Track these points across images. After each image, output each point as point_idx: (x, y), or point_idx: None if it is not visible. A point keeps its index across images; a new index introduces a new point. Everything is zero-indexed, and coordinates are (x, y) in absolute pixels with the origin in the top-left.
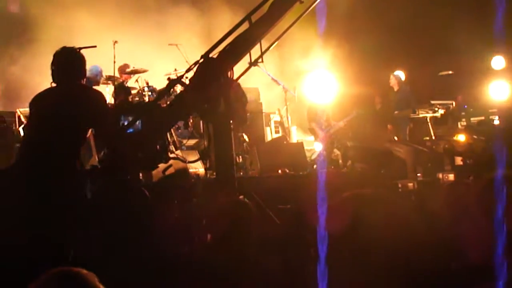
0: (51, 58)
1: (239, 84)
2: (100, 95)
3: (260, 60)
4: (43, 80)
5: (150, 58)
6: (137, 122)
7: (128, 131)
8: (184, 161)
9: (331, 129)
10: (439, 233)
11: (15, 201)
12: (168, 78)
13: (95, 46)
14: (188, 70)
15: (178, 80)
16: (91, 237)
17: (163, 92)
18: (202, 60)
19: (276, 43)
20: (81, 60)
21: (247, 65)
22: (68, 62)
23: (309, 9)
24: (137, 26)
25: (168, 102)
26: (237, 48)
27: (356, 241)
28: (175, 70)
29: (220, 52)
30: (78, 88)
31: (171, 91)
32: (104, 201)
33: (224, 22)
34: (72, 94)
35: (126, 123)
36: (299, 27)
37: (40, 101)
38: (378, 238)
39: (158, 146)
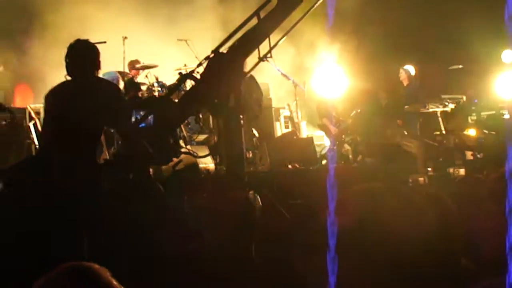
0: (61, 53)
1: (252, 78)
2: (117, 88)
3: (269, 55)
4: (54, 75)
5: (159, 53)
6: (149, 117)
7: (140, 125)
8: (195, 155)
9: (341, 125)
10: (452, 228)
11: (35, 197)
12: (180, 73)
13: (104, 42)
14: (199, 65)
15: (190, 74)
16: (104, 233)
17: (174, 87)
18: (212, 55)
19: (284, 38)
20: (96, 52)
21: (257, 60)
22: (83, 54)
23: (317, 4)
24: (147, 22)
25: (179, 97)
26: (246, 43)
27: (366, 235)
28: (185, 65)
29: (230, 48)
30: (94, 81)
31: (181, 86)
32: (119, 196)
33: (235, 16)
34: (89, 87)
35: (138, 118)
36: (308, 21)
37: (56, 96)
38: (389, 232)
39: (171, 140)
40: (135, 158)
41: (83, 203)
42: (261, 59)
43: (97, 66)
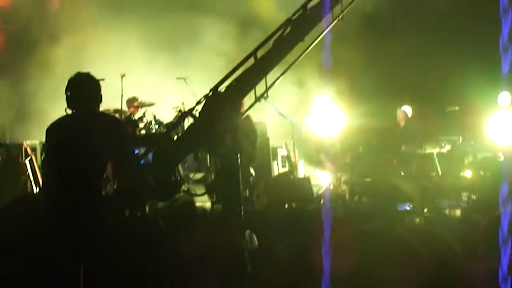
0: (58, 88)
1: (248, 118)
2: (121, 123)
3: (265, 95)
4: (51, 110)
5: (158, 91)
6: (148, 154)
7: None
8: (192, 194)
9: (339, 163)
10: (448, 268)
11: (40, 232)
12: (179, 111)
13: (103, 79)
14: (198, 103)
15: (189, 112)
16: (105, 269)
17: (174, 124)
18: (211, 93)
19: (280, 78)
20: (97, 85)
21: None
22: (84, 87)
23: (310, 48)
24: (145, 59)
25: (178, 135)
26: (243, 83)
27: (361, 280)
28: (183, 103)
29: (227, 87)
30: (98, 115)
31: (180, 124)
32: (121, 232)
33: (234, 55)
34: (93, 121)
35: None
36: (306, 61)
37: (59, 130)
38: (383, 277)
39: (173, 177)
40: (139, 194)
41: (89, 240)
42: (257, 99)
43: (99, 99)
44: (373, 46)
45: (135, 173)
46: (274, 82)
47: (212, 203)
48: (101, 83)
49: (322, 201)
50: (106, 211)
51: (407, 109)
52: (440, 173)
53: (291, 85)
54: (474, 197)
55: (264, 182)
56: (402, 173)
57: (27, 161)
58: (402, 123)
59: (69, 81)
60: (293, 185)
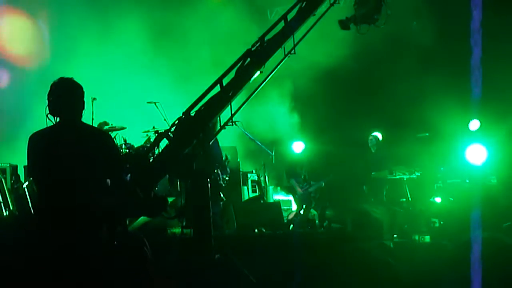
0: (27, 111)
1: (216, 141)
2: (110, 135)
3: (230, 122)
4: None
5: (128, 115)
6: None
7: None
8: (164, 216)
9: (309, 188)
10: None
11: (38, 251)
12: (156, 131)
13: (95, 99)
14: (173, 125)
15: (166, 133)
16: None
17: (151, 145)
18: (184, 117)
19: (245, 105)
20: (81, 91)
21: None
22: (69, 93)
23: (269, 77)
24: (116, 83)
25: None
26: (211, 108)
27: None
28: (154, 127)
29: (196, 112)
30: (85, 127)
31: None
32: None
33: (203, 79)
34: (82, 133)
35: None
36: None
37: (47, 142)
38: None
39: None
40: (130, 208)
41: (84, 259)
42: (223, 126)
43: (82, 106)
44: (345, 73)
45: (128, 185)
46: (238, 110)
47: (182, 227)
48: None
49: (291, 226)
50: (100, 229)
51: (378, 135)
52: (410, 198)
53: (261, 111)
54: (442, 222)
55: (234, 206)
56: (372, 199)
57: None
58: (373, 149)
59: (52, 86)
60: (263, 210)
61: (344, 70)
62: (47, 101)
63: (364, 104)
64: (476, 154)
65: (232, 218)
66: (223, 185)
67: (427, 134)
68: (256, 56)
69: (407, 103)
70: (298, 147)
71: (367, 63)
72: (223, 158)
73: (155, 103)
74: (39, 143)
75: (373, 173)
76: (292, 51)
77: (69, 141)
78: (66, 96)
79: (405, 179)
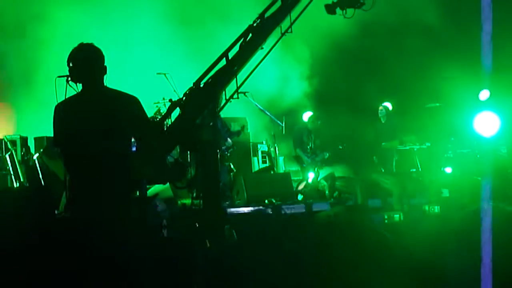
0: (32, 86)
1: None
2: (136, 98)
3: (236, 95)
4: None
5: (138, 87)
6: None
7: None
8: (175, 186)
9: (316, 157)
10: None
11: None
12: (170, 100)
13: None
14: (185, 94)
15: (179, 102)
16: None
17: (165, 114)
18: (194, 87)
19: (248, 78)
20: (102, 56)
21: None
22: (90, 57)
23: (268, 54)
24: (125, 55)
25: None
26: (217, 81)
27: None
28: (163, 99)
29: (205, 83)
30: (111, 91)
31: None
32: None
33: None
34: (109, 98)
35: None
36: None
37: (74, 112)
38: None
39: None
40: (159, 171)
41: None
42: (229, 99)
43: (105, 71)
44: (355, 44)
45: (157, 149)
46: (241, 85)
47: (192, 198)
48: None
49: (302, 196)
50: (140, 200)
51: (388, 106)
52: (420, 169)
53: (272, 81)
54: (453, 193)
55: (244, 177)
56: (382, 169)
57: (7, 156)
58: (383, 120)
59: (71, 52)
60: (273, 181)
61: (355, 41)
62: (67, 68)
63: (374, 75)
64: (485, 123)
65: (243, 189)
66: (228, 155)
67: (438, 104)
68: (257, 32)
69: (417, 73)
70: (314, 119)
71: (378, 34)
72: (238, 129)
73: (165, 74)
74: (64, 113)
75: (383, 143)
76: (289, 30)
77: (95, 108)
78: (87, 61)
79: (415, 149)
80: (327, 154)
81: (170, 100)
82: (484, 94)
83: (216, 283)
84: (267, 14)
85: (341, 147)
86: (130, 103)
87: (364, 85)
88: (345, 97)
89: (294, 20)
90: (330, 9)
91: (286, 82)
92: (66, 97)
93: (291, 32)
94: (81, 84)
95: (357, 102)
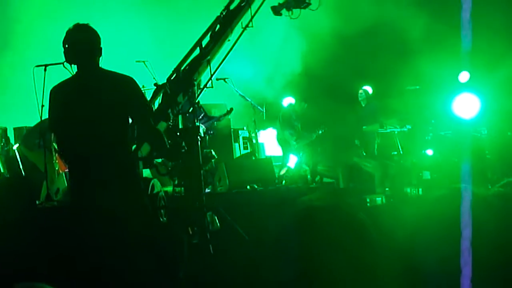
0: (14, 73)
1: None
2: (134, 81)
3: (209, 84)
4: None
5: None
6: None
7: None
8: (158, 172)
9: (302, 141)
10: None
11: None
12: (155, 84)
13: (61, 63)
14: (168, 80)
15: (163, 86)
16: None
17: (151, 97)
18: (175, 74)
19: (220, 67)
20: (98, 37)
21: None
22: (86, 38)
23: (234, 45)
24: (104, 43)
25: None
26: (193, 69)
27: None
28: (143, 86)
29: (182, 71)
30: (107, 73)
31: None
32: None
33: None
34: (105, 81)
35: None
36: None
37: (69, 95)
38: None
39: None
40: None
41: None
42: (203, 88)
43: (100, 52)
44: (333, 26)
45: (157, 131)
46: (215, 71)
47: (174, 185)
48: (61, 67)
49: (284, 181)
50: (137, 183)
51: (368, 89)
52: (401, 151)
53: (252, 67)
54: (435, 175)
55: (225, 164)
56: (364, 153)
57: None
58: (363, 103)
59: (67, 33)
60: (255, 167)
61: (334, 23)
62: (63, 49)
63: (353, 58)
64: (465, 105)
65: (224, 175)
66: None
67: (418, 87)
68: (223, 23)
69: (397, 56)
70: (288, 102)
71: (356, 16)
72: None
73: (144, 61)
74: (60, 95)
75: (364, 127)
76: (250, 24)
77: (91, 90)
78: (82, 43)
79: (396, 132)
80: (315, 136)
81: (156, 85)
82: (464, 76)
83: (199, 269)
84: (232, 6)
85: (321, 132)
86: (126, 84)
87: (344, 68)
88: (325, 80)
89: (254, 14)
90: (276, 10)
91: (266, 68)
92: (44, 86)
93: (252, 26)
94: (76, 66)
95: (337, 86)
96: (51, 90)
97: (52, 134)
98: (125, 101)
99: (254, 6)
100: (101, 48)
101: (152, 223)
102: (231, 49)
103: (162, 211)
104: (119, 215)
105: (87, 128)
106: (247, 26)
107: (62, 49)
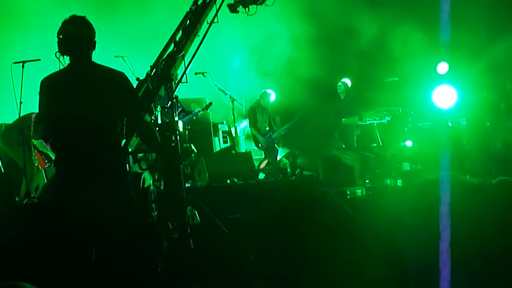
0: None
1: None
2: (125, 76)
3: (184, 79)
4: None
5: None
6: None
7: None
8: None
9: (273, 134)
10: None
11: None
12: (137, 79)
13: (39, 60)
14: (148, 75)
15: (145, 81)
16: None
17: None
18: (154, 69)
19: (192, 62)
20: (93, 30)
21: None
22: (81, 30)
23: (203, 41)
24: None
25: None
26: (169, 64)
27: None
28: None
29: (159, 65)
30: (99, 67)
31: None
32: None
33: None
34: (97, 75)
35: None
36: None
37: (60, 87)
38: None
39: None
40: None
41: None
42: (178, 83)
43: (94, 45)
44: (312, 18)
45: (148, 124)
46: (187, 67)
47: (154, 180)
48: (38, 64)
49: (263, 175)
50: (124, 177)
51: (347, 81)
52: (381, 143)
53: (231, 60)
54: (415, 166)
55: (205, 158)
56: (343, 145)
57: None
58: (342, 95)
59: (63, 24)
60: (235, 160)
61: (313, 16)
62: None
63: (332, 50)
64: (444, 97)
65: (204, 169)
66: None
67: (396, 78)
68: (193, 18)
69: (375, 48)
70: (266, 95)
71: (334, 10)
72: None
73: (122, 57)
74: (51, 87)
75: (343, 119)
76: (215, 20)
77: (84, 83)
78: (76, 35)
79: (375, 124)
80: (285, 131)
81: (138, 79)
82: (443, 68)
83: (179, 265)
84: (200, 1)
85: (299, 118)
86: (118, 79)
87: (322, 61)
88: (304, 73)
89: (219, 8)
90: (233, 8)
91: (245, 61)
92: (22, 83)
93: (218, 22)
94: (68, 57)
95: (316, 79)
96: (41, 82)
97: (31, 130)
98: (117, 94)
99: (218, 2)
100: (95, 42)
101: (135, 218)
102: (199, 44)
103: (153, 205)
104: (101, 210)
105: (78, 120)
106: (212, 22)
107: (45, 44)
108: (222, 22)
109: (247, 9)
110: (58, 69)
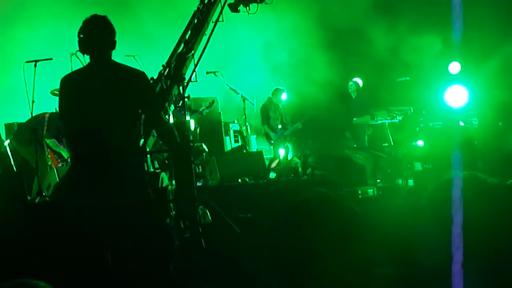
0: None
1: None
2: (145, 75)
3: (194, 78)
4: None
5: None
6: None
7: None
8: (153, 166)
9: (285, 131)
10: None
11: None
12: (151, 78)
13: (51, 59)
14: (160, 73)
15: (159, 80)
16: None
17: None
18: (168, 68)
19: (201, 61)
20: (114, 31)
21: None
22: (102, 30)
23: (210, 39)
24: None
25: None
26: (180, 63)
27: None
28: None
29: (171, 66)
30: (119, 66)
31: None
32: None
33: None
34: (117, 74)
35: None
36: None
37: (80, 85)
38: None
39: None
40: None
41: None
42: (188, 82)
43: (114, 45)
44: (323, 18)
45: (168, 124)
46: (196, 66)
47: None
48: (50, 63)
49: (274, 174)
50: (142, 176)
51: (358, 81)
52: (392, 143)
53: (242, 59)
54: (427, 166)
55: (216, 157)
56: (355, 145)
57: None
58: (354, 95)
59: (84, 23)
60: (246, 160)
61: (324, 15)
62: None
63: (344, 51)
64: (456, 96)
65: (215, 169)
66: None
67: (408, 78)
68: (200, 17)
69: (386, 48)
70: (279, 92)
71: (347, 9)
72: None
73: (133, 56)
74: (71, 85)
75: (354, 119)
76: (220, 19)
77: (104, 82)
78: (97, 32)
79: (386, 124)
80: (300, 125)
81: (152, 78)
82: (455, 67)
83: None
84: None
85: (311, 116)
86: (138, 78)
87: (335, 60)
88: (316, 73)
89: (222, 9)
90: (233, 7)
91: (257, 61)
92: (35, 82)
93: (223, 21)
94: (88, 57)
95: (328, 78)
96: (61, 80)
97: (44, 130)
98: (137, 93)
99: (223, 1)
100: (115, 41)
101: (151, 218)
102: (206, 43)
103: (171, 205)
104: (117, 209)
105: (97, 119)
106: (217, 20)
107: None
108: (234, 22)
109: (248, 8)
110: (75, 68)
